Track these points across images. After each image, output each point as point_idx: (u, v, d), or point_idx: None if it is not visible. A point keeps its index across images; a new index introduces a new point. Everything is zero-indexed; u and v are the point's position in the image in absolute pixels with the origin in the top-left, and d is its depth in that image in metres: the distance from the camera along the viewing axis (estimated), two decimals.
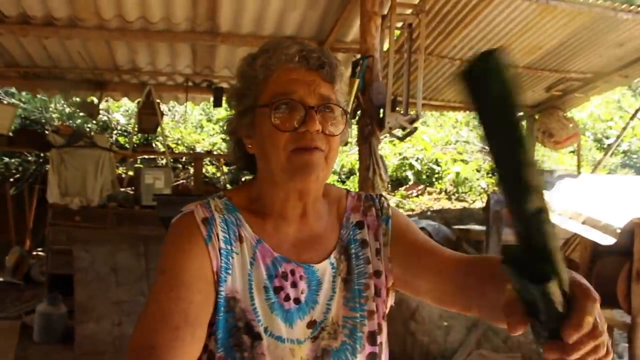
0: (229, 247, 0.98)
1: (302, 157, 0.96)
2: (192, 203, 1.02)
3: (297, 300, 1.00)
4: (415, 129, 3.77)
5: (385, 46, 4.11)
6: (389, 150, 10.08)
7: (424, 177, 9.70)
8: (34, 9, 4.44)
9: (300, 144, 0.96)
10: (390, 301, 1.12)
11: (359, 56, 3.93)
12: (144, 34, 4.88)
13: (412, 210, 8.49)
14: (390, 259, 1.07)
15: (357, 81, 3.78)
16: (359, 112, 3.87)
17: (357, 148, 3.94)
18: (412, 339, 4.20)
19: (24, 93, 8.27)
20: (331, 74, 1.01)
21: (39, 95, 7.39)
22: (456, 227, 6.68)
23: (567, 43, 5.49)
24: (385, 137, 4.34)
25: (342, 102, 1.05)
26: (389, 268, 1.07)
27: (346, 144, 1.19)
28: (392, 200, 8.96)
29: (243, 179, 9.25)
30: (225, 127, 1.08)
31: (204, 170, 9.05)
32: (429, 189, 9.48)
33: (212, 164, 9.37)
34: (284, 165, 0.96)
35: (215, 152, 9.07)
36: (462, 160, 10.05)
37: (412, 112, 3.84)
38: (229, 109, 1.08)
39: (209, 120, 10.78)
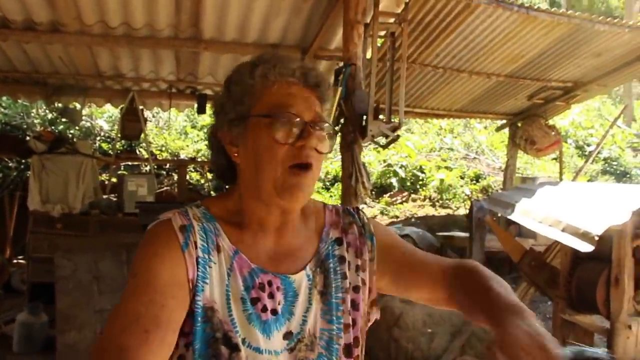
0: (206, 257, 0.97)
1: (296, 177, 0.96)
2: (169, 211, 1.01)
3: (274, 311, 0.99)
4: (398, 136, 3.79)
5: (368, 54, 4.14)
6: (373, 157, 10.13)
7: (409, 184, 9.75)
8: (13, 13, 4.39)
9: (298, 160, 0.96)
10: (376, 315, 1.13)
11: (341, 64, 3.95)
12: (126, 40, 4.86)
13: (397, 217, 8.52)
14: (378, 274, 1.10)
15: (339, 89, 3.80)
16: (341, 120, 3.89)
17: (340, 156, 3.95)
18: (396, 345, 4.21)
19: (4, 98, 8.17)
20: (325, 94, 1.03)
21: (19, 101, 7.30)
22: (440, 233, 6.72)
23: (547, 52, 5.57)
24: (369, 144, 4.36)
25: (329, 121, 1.07)
26: (374, 282, 1.10)
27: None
28: (377, 208, 8.99)
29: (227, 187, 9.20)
30: (209, 133, 1.07)
31: (188, 177, 9.01)
32: (413, 195, 9.54)
33: (197, 171, 9.33)
34: (277, 181, 0.96)
35: (199, 159, 9.03)
36: (446, 167, 10.12)
37: (395, 120, 3.86)
38: (215, 115, 1.06)
39: (194, 127, 10.76)
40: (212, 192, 9.03)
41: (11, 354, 4.58)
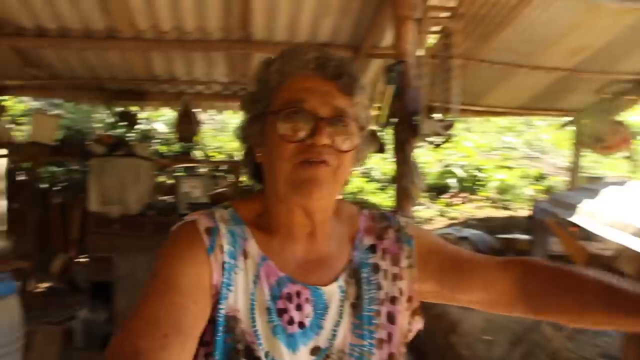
0: (232, 262, 0.92)
1: (306, 170, 0.90)
2: (195, 212, 0.97)
3: (301, 325, 0.93)
4: (451, 135, 3.64)
5: (422, 51, 4.01)
6: (430, 157, 9.90)
7: (468, 184, 9.46)
8: (72, 22, 4.55)
9: (306, 156, 0.90)
10: (418, 325, 1.04)
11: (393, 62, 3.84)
12: (179, 44, 4.92)
13: (455, 219, 8.28)
14: (421, 280, 1.01)
15: (391, 88, 3.69)
16: (393, 120, 3.78)
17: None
18: (453, 353, 4.05)
19: (69, 104, 8.52)
20: (350, 86, 0.95)
21: (82, 106, 7.58)
22: (500, 236, 6.46)
23: (615, 43, 5.22)
24: (424, 144, 4.22)
25: (362, 117, 0.98)
26: (414, 290, 1.01)
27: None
28: (434, 209, 8.77)
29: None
30: (237, 134, 1.03)
31: (244, 179, 9.10)
32: (472, 196, 9.24)
33: None
34: (287, 178, 0.91)
35: None
36: (507, 167, 9.76)
37: (449, 118, 3.71)
38: (242, 114, 1.03)
39: None
40: None
41: (74, 349, 4.75)
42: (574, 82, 6.17)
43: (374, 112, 3.85)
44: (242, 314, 0.90)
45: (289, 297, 0.93)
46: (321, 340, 0.93)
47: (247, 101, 1.00)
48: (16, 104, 9.00)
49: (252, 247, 0.95)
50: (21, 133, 7.64)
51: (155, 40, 4.85)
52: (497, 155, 10.31)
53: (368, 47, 5.02)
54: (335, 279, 0.97)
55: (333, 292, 0.96)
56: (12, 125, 8.19)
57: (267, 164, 0.96)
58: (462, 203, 8.96)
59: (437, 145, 3.96)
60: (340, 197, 1.03)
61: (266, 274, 0.93)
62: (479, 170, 9.58)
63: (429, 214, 8.60)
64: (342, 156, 0.92)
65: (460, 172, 9.45)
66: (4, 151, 6.06)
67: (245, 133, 1.00)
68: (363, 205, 1.12)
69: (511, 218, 7.99)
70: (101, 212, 5.51)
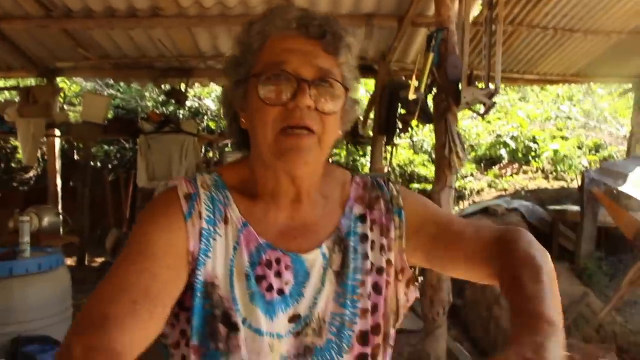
0: (211, 228, 0.91)
1: (290, 139, 0.87)
2: (179, 177, 0.96)
3: (280, 292, 0.91)
4: (494, 103, 3.52)
5: (466, 18, 3.87)
6: (481, 127, 9.65)
7: (520, 155, 9.18)
8: (117, 2, 4.64)
9: (289, 121, 0.86)
10: (415, 294, 1.02)
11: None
12: (221, 19, 4.95)
13: (505, 190, 8.07)
14: (409, 251, 0.99)
15: (431, 55, 3.60)
16: (434, 88, 3.69)
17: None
18: (496, 324, 3.99)
19: (121, 83, 8.76)
20: (334, 45, 0.91)
21: (132, 85, 7.76)
22: (552, 207, 6.26)
23: None
24: (471, 114, 4.11)
25: (348, 78, 0.94)
26: (404, 260, 0.99)
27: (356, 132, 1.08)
28: (484, 180, 8.58)
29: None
30: (221, 99, 1.00)
31: None
32: (524, 167, 8.97)
33: None
34: (271, 145, 0.88)
35: None
36: (562, 137, 9.39)
37: (492, 86, 3.58)
38: (226, 77, 0.99)
39: None
40: None
41: None
42: (635, 46, 5.82)
43: (414, 81, 3.77)
44: (220, 280, 0.89)
45: (268, 264, 0.92)
46: (301, 307, 0.92)
47: (230, 65, 0.96)
48: (71, 85, 9.33)
49: (234, 213, 0.93)
50: (75, 114, 7.93)
51: (198, 17, 4.89)
52: (553, 125, 9.93)
53: (412, 16, 4.89)
54: (318, 246, 0.95)
55: (315, 259, 0.94)
56: (67, 106, 8.52)
57: (251, 130, 0.93)
58: (513, 174, 8.72)
59: (482, 115, 3.84)
60: (332, 162, 1.01)
61: (246, 240, 0.92)
62: (533, 140, 9.26)
63: (478, 186, 8.42)
64: (327, 119, 0.89)
65: (511, 143, 9.17)
66: (58, 132, 6.32)
67: (229, 98, 0.97)
68: (354, 171, 1.09)
69: (563, 189, 7.73)
70: (149, 187, 5.68)
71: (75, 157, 8.13)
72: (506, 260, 0.86)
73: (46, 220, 3.74)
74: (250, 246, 0.92)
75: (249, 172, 0.97)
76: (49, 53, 6.06)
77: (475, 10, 4.48)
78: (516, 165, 8.90)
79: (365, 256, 0.97)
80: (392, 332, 0.99)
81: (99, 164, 8.24)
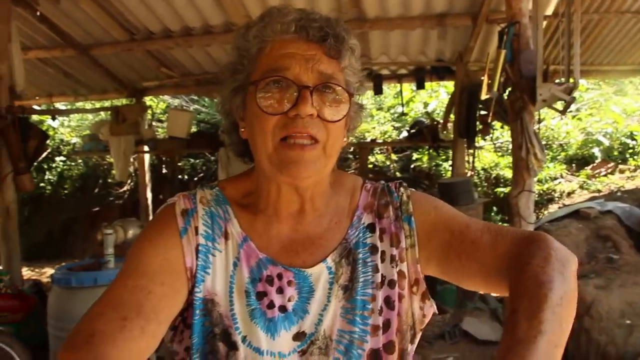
0: (209, 244, 0.88)
1: (291, 151, 0.82)
2: (179, 193, 0.95)
3: (282, 309, 0.88)
4: (574, 99, 3.31)
5: (541, 10, 3.68)
6: (571, 126, 9.11)
7: (615, 153, 8.56)
8: (193, 20, 4.86)
9: (290, 130, 0.82)
10: (431, 309, 0.94)
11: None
12: None
13: (599, 191, 7.56)
14: (423, 261, 0.92)
15: (503, 52, 3.45)
16: (508, 86, 3.54)
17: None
18: (587, 337, 3.73)
19: (205, 98, 9.13)
20: (337, 48, 0.86)
21: (215, 99, 8.03)
22: None
23: None
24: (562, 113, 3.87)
25: (352, 82, 0.89)
26: (418, 271, 0.92)
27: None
28: (575, 182, 8.08)
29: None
30: (219, 108, 0.95)
31: (373, 159, 9.10)
32: (621, 166, 8.35)
33: (381, 153, 9.38)
34: (271, 156, 0.84)
35: (380, 141, 9.06)
36: None
37: (570, 81, 3.38)
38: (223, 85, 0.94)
39: (379, 109, 10.76)
40: (397, 174, 8.99)
41: None
42: None
43: (486, 80, 3.63)
44: (220, 297, 0.87)
45: (269, 280, 0.88)
46: (306, 325, 0.87)
47: (227, 72, 0.91)
48: (158, 103, 9.85)
49: (234, 227, 0.90)
50: (163, 130, 8.34)
51: None
52: None
53: (487, 13, 4.74)
54: (323, 260, 0.90)
55: (320, 273, 0.89)
56: (156, 123, 8.99)
57: (251, 140, 0.88)
58: (608, 174, 8.15)
59: (562, 112, 3.63)
60: (343, 170, 0.96)
61: (246, 255, 0.89)
62: (630, 136, 8.61)
63: (569, 187, 7.95)
64: (331, 127, 0.84)
65: (605, 141, 8.58)
66: (147, 147, 6.68)
67: (227, 107, 0.92)
68: (366, 177, 1.02)
69: None
70: None
71: (164, 170, 8.55)
72: (513, 284, 0.77)
73: (131, 233, 3.93)
74: (250, 262, 0.89)
75: (252, 184, 0.94)
76: (136, 74, 6.45)
77: (553, 1, 4.26)
78: (611, 164, 8.31)
79: (376, 269, 0.91)
80: (411, 348, 0.92)
81: (186, 177, 8.61)
